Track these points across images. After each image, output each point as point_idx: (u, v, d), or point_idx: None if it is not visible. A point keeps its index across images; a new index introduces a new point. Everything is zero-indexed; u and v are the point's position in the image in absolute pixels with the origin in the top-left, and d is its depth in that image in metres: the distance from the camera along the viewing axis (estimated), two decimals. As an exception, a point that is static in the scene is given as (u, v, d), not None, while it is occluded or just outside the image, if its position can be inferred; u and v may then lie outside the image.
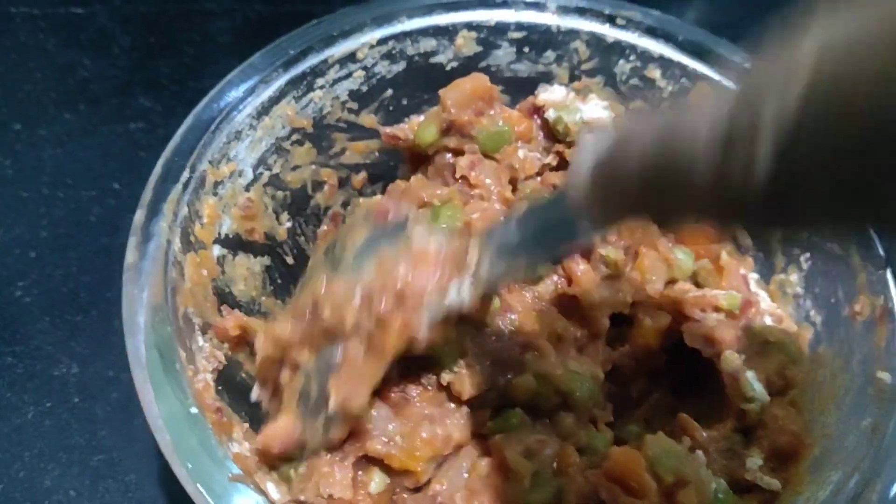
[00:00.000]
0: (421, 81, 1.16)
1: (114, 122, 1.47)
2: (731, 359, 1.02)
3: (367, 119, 1.17)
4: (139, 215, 0.89)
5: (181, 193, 0.92)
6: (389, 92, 1.17)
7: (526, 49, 1.18)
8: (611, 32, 1.16)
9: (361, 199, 1.21)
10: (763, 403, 1.00)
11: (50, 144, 1.42)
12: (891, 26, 0.43)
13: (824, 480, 0.89)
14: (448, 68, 1.17)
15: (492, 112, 1.14)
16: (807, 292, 1.11)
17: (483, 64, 1.19)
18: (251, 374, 0.96)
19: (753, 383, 1.00)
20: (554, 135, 1.16)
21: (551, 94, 1.16)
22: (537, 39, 1.18)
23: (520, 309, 1.00)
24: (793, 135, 0.46)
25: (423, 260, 0.84)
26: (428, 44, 1.15)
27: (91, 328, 1.23)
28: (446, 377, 0.92)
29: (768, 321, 1.10)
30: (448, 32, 1.15)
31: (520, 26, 1.16)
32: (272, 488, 0.83)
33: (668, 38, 1.15)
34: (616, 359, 1.06)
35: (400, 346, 0.84)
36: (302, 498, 0.86)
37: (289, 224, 1.13)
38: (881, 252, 0.98)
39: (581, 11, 1.16)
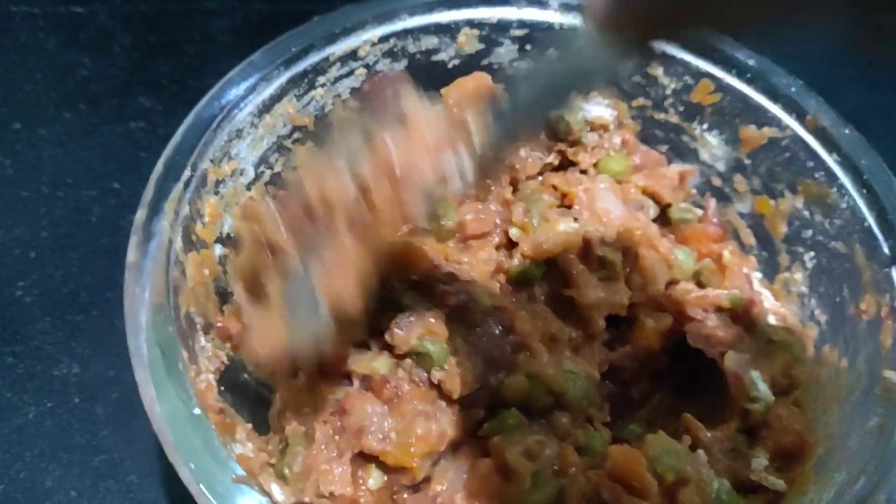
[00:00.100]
0: (422, 79, 1.14)
1: (114, 121, 1.46)
2: (735, 359, 1.02)
3: (369, 117, 1.16)
4: (140, 214, 0.88)
5: (182, 192, 0.92)
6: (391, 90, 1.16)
7: (528, 47, 1.18)
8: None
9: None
10: (767, 403, 1.00)
11: (50, 144, 1.42)
12: None
13: (829, 481, 0.89)
14: (450, 66, 1.17)
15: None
16: (811, 291, 1.10)
17: (485, 62, 1.18)
18: (254, 374, 0.96)
19: (758, 383, 1.00)
20: (556, 134, 1.16)
21: (553, 93, 1.16)
22: (539, 37, 1.17)
23: (511, 309, 1.00)
24: None
25: (418, 140, 0.77)
26: (429, 41, 1.14)
27: (92, 328, 1.23)
28: (437, 375, 0.92)
29: (772, 320, 1.10)
30: (450, 30, 1.14)
31: (522, 24, 1.16)
32: (276, 489, 0.83)
33: (669, 35, 1.14)
34: (616, 359, 1.06)
35: (395, 234, 0.79)
36: (305, 499, 0.86)
37: (289, 223, 1.12)
38: (886, 250, 0.98)
39: (583, 9, 1.15)
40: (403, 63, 1.15)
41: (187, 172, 0.93)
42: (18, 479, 1.09)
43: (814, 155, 1.07)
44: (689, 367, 1.07)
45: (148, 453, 1.11)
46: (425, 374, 0.93)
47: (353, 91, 1.13)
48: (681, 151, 1.22)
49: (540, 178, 1.17)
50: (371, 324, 0.96)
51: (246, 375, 0.95)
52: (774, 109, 1.10)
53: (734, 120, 1.15)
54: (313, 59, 1.07)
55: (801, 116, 1.09)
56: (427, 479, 0.92)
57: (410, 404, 0.92)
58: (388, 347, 0.95)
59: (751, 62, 1.12)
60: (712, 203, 1.19)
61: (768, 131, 1.12)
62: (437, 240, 1.06)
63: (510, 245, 1.08)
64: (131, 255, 0.85)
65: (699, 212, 1.19)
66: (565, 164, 1.18)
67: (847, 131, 1.06)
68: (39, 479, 1.09)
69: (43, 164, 1.39)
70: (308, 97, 1.08)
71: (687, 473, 0.88)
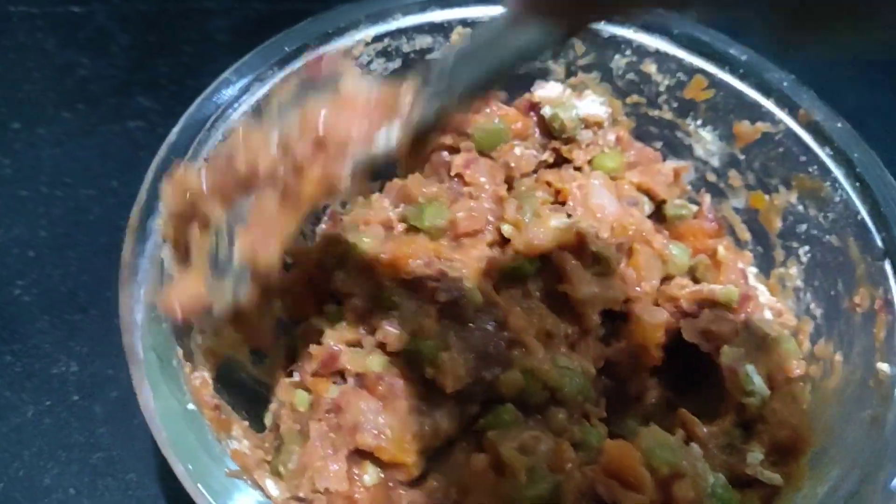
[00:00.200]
0: (417, 79, 1.16)
1: (112, 121, 1.47)
2: (730, 353, 1.02)
3: (364, 116, 1.16)
4: (135, 213, 0.89)
5: (177, 191, 0.91)
6: (386, 89, 1.16)
7: (521, 44, 1.18)
8: (606, 27, 1.16)
9: (360, 198, 1.21)
10: (763, 397, 1.00)
11: (49, 144, 1.42)
12: None
13: (824, 476, 0.90)
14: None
15: (488, 110, 1.14)
16: (806, 285, 1.11)
17: (479, 60, 1.18)
18: (251, 372, 0.96)
19: (753, 377, 1.00)
20: (550, 132, 1.16)
21: (547, 91, 1.16)
22: (532, 35, 1.17)
23: (504, 305, 1.00)
24: None
25: (348, 106, 0.77)
26: (423, 41, 1.15)
27: (90, 327, 1.23)
28: (430, 371, 0.92)
29: (768, 315, 1.10)
30: (443, 29, 1.15)
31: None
32: (271, 485, 0.84)
33: (662, 32, 1.15)
34: (612, 355, 1.06)
35: (318, 195, 0.78)
36: (301, 494, 0.87)
37: (286, 222, 1.13)
38: (880, 243, 0.99)
39: (502, -5, 1.16)
40: (397, 62, 1.15)
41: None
42: (17, 477, 1.09)
43: (807, 149, 1.08)
44: (685, 363, 1.07)
45: (146, 451, 1.11)
46: (419, 371, 0.94)
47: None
48: (675, 148, 1.22)
49: (535, 175, 1.17)
50: (364, 322, 0.97)
51: (243, 374, 0.95)
52: (767, 104, 1.11)
53: (728, 115, 1.15)
54: (307, 59, 1.07)
55: (793, 111, 1.09)
56: (423, 475, 0.93)
57: (405, 401, 0.92)
58: (381, 345, 0.95)
59: (744, 58, 1.12)
60: (707, 199, 1.20)
61: (762, 126, 1.12)
62: (429, 238, 1.06)
63: (503, 242, 1.08)
64: (126, 253, 0.86)
65: (694, 208, 1.19)
66: (560, 162, 1.18)
67: (839, 125, 1.06)
68: (38, 477, 1.09)
69: (41, 164, 1.40)
70: (302, 97, 1.08)
71: (681, 467, 0.88)
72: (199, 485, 0.75)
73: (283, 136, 0.77)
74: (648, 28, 1.15)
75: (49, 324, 1.23)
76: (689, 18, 1.17)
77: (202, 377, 0.86)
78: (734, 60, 1.12)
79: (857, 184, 1.02)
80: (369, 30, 1.11)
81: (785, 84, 1.10)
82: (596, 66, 1.19)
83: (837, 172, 1.04)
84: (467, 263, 1.03)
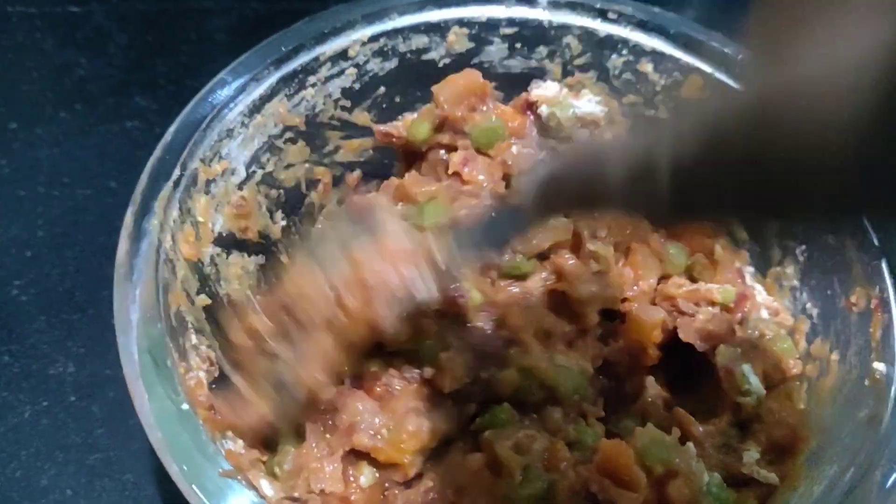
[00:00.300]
0: (413, 78, 1.16)
1: (110, 121, 1.47)
2: (726, 352, 1.02)
3: (361, 117, 1.17)
4: (130, 213, 0.89)
5: (172, 191, 0.92)
6: (382, 89, 1.17)
7: (518, 45, 1.18)
8: (602, 27, 1.16)
9: (356, 198, 1.21)
10: (759, 397, 1.00)
11: (46, 143, 1.43)
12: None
13: (820, 475, 0.89)
14: (440, 65, 1.17)
15: (485, 108, 1.14)
16: (803, 284, 1.11)
17: (475, 60, 1.19)
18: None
19: (749, 377, 1.00)
20: (547, 131, 1.16)
21: (544, 90, 1.16)
22: (529, 35, 1.18)
23: (502, 304, 1.00)
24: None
25: (390, 255, 0.85)
26: (420, 41, 1.15)
27: (87, 327, 1.23)
28: (428, 371, 0.93)
29: (765, 314, 1.10)
30: (440, 29, 1.15)
31: (511, 22, 1.16)
32: (265, 485, 0.84)
33: (659, 31, 1.15)
34: (609, 354, 1.06)
35: (367, 337, 0.86)
36: (295, 494, 0.87)
37: (283, 222, 1.13)
38: (876, 242, 0.98)
39: (572, 6, 1.16)
40: (394, 62, 1.15)
41: (177, 172, 0.93)
42: (14, 477, 1.09)
43: (803, 147, 1.07)
44: (681, 362, 1.07)
45: (144, 452, 1.11)
46: (416, 371, 0.94)
47: (344, 91, 1.14)
48: (671, 148, 1.22)
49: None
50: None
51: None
52: (763, 104, 1.11)
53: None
54: (303, 59, 1.07)
55: (789, 110, 1.09)
56: (418, 475, 0.93)
57: (401, 401, 0.92)
58: (378, 346, 0.95)
59: (740, 57, 1.12)
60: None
61: (758, 124, 1.11)
62: None
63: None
64: (121, 254, 0.86)
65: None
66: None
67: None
68: (35, 477, 1.09)
69: (39, 164, 1.40)
70: (298, 97, 1.09)
71: (676, 466, 0.88)
72: (193, 485, 0.75)
73: (335, 283, 0.86)
74: (645, 27, 1.15)
75: (46, 324, 1.23)
76: (687, 17, 1.17)
77: (197, 377, 0.86)
78: (730, 60, 1.12)
79: (855, 184, 1.02)
80: (366, 30, 1.11)
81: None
82: (592, 65, 1.19)
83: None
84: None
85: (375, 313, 0.84)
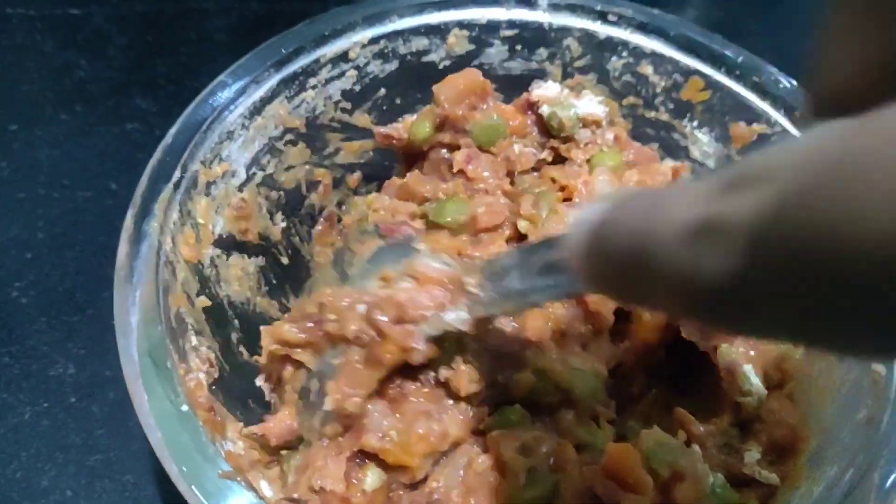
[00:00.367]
0: (414, 80, 1.16)
1: (110, 122, 1.47)
2: (728, 352, 1.02)
3: (361, 119, 1.17)
4: (130, 216, 0.89)
5: (172, 193, 0.92)
6: (382, 91, 1.17)
7: (518, 47, 1.19)
8: (602, 29, 1.16)
9: (356, 198, 1.22)
10: (760, 397, 1.00)
11: (46, 145, 1.43)
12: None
13: (821, 475, 0.89)
14: (440, 67, 1.17)
15: (485, 107, 1.14)
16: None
17: (476, 62, 1.19)
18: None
19: (750, 377, 1.00)
20: (548, 130, 1.16)
21: (545, 90, 1.16)
22: (529, 37, 1.18)
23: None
24: (767, 240, 0.40)
25: (425, 280, 0.87)
26: (420, 42, 1.15)
27: (87, 328, 1.23)
28: (444, 373, 0.92)
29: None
30: (440, 31, 1.15)
31: (511, 24, 1.16)
32: (265, 486, 0.84)
33: (659, 33, 1.15)
34: (619, 356, 1.06)
35: (397, 357, 0.86)
36: (295, 495, 0.87)
37: (283, 224, 1.13)
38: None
39: (572, 8, 1.16)
40: (394, 64, 1.15)
41: (177, 174, 0.93)
42: (14, 478, 1.09)
43: (803, 150, 1.07)
44: (683, 361, 1.07)
45: (144, 452, 1.11)
46: (432, 373, 0.93)
47: (344, 93, 1.14)
48: (671, 149, 1.22)
49: (537, 172, 1.17)
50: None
51: (236, 381, 0.96)
52: (764, 106, 1.11)
53: (724, 117, 1.15)
54: (304, 61, 1.07)
55: (789, 112, 1.09)
56: (424, 477, 0.93)
57: (414, 403, 0.92)
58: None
59: (740, 59, 1.12)
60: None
61: (758, 128, 1.12)
62: (450, 234, 1.06)
63: (519, 238, 1.08)
64: (121, 256, 0.86)
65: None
66: (559, 160, 1.18)
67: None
68: (35, 478, 1.09)
69: (39, 165, 1.40)
70: (299, 99, 1.09)
71: (682, 468, 0.87)
72: (192, 486, 0.75)
73: (368, 302, 0.87)
74: (645, 29, 1.15)
75: (47, 325, 1.23)
76: (687, 18, 1.17)
77: (197, 379, 0.86)
78: (731, 62, 1.12)
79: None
80: (366, 32, 1.11)
81: (781, 86, 1.10)
82: (592, 67, 1.19)
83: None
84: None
85: (405, 337, 0.85)
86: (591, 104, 1.16)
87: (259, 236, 1.08)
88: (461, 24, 1.15)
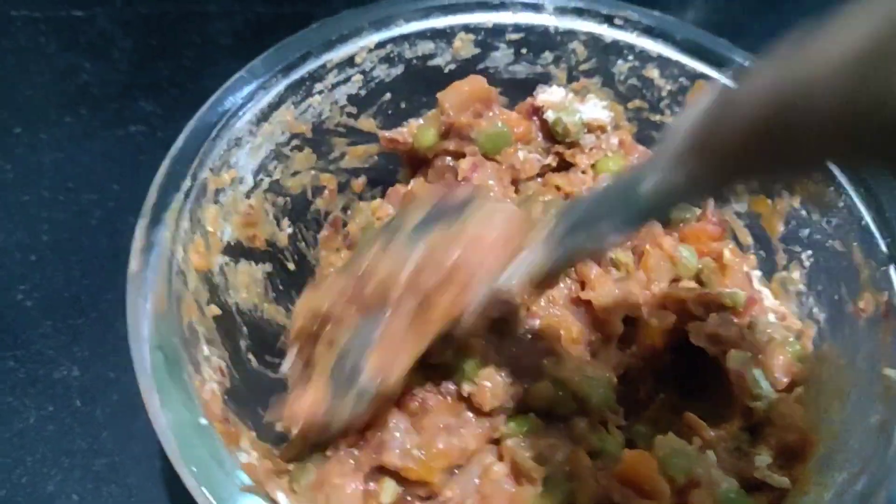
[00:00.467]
0: (419, 84, 1.16)
1: (114, 125, 1.47)
2: (737, 357, 1.02)
3: (366, 123, 1.17)
4: (141, 225, 0.88)
5: (183, 202, 0.92)
6: (388, 96, 1.17)
7: (524, 50, 1.19)
8: (608, 32, 1.16)
9: (361, 203, 1.22)
10: (770, 401, 1.00)
11: (50, 148, 1.43)
12: None
13: (831, 480, 0.89)
14: (446, 71, 1.17)
15: (490, 114, 1.14)
16: (809, 289, 1.11)
17: (481, 66, 1.19)
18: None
19: (760, 381, 1.00)
20: (553, 136, 1.16)
21: (550, 96, 1.16)
22: (535, 41, 1.18)
23: (541, 314, 1.00)
24: None
25: (478, 241, 0.82)
26: (426, 47, 1.15)
27: (92, 331, 1.23)
28: (467, 388, 0.92)
29: (772, 318, 1.10)
30: (446, 35, 1.15)
31: (517, 28, 1.16)
32: (282, 497, 0.83)
33: (665, 37, 1.15)
34: (626, 361, 1.06)
35: (444, 324, 0.83)
36: (308, 515, 0.87)
37: (290, 230, 1.14)
38: (884, 248, 0.98)
39: (579, 12, 1.16)
40: (400, 69, 1.15)
41: (187, 182, 0.93)
42: (20, 483, 1.09)
43: (810, 155, 1.07)
44: (691, 365, 1.07)
45: (148, 455, 1.11)
46: (454, 387, 0.93)
47: (350, 98, 1.14)
48: (677, 152, 1.22)
49: (540, 178, 1.17)
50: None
51: (246, 389, 0.96)
52: (770, 109, 1.11)
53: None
54: (311, 66, 1.07)
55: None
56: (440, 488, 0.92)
57: (435, 418, 0.91)
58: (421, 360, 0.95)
59: (746, 63, 1.12)
60: (710, 202, 1.20)
61: (764, 131, 1.12)
62: None
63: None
64: (133, 265, 0.86)
65: (697, 211, 1.19)
66: (564, 166, 1.18)
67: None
68: (41, 483, 1.09)
69: (43, 168, 1.40)
70: (305, 104, 1.09)
71: (698, 475, 0.88)
72: (211, 499, 0.74)
73: (416, 263, 0.83)
74: (651, 33, 1.15)
75: (52, 328, 1.23)
76: (687, 20, 1.17)
77: (211, 389, 0.85)
78: (736, 65, 1.12)
79: (862, 189, 1.02)
80: (373, 36, 1.11)
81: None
82: (598, 70, 1.20)
83: (841, 178, 1.04)
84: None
85: (456, 300, 0.82)
86: (596, 109, 1.17)
87: (266, 242, 1.08)
88: (467, 28, 1.15)
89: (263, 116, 1.04)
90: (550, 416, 0.95)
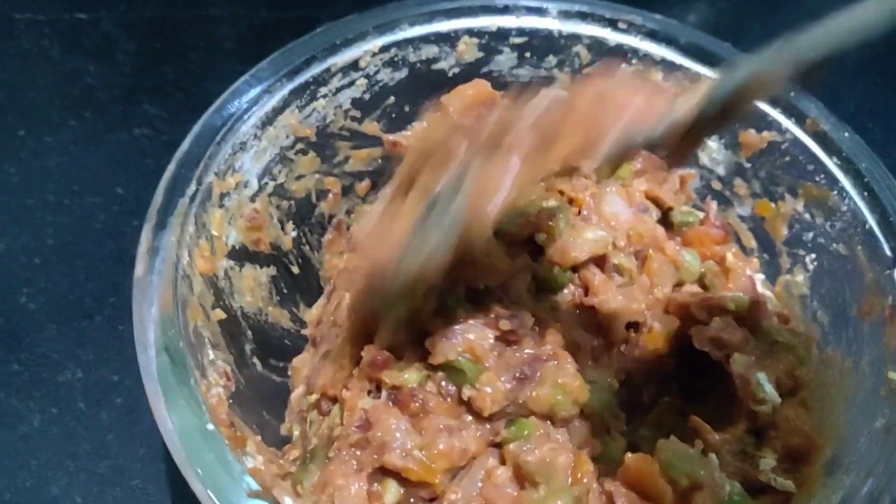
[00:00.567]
0: (423, 88, 1.16)
1: (119, 128, 1.47)
2: (741, 361, 1.02)
3: (370, 127, 1.17)
4: (147, 229, 0.88)
5: (188, 206, 0.92)
6: (392, 99, 1.17)
7: (527, 54, 1.19)
8: (612, 36, 1.16)
9: (365, 207, 1.22)
10: (774, 405, 1.00)
11: (55, 151, 1.43)
12: None
13: (837, 484, 0.89)
14: (450, 74, 1.17)
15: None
16: (813, 293, 1.11)
17: (485, 70, 1.19)
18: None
19: (764, 385, 1.00)
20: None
21: (553, 100, 1.16)
22: (539, 44, 1.18)
23: (547, 321, 1.00)
24: None
25: (624, 86, 0.81)
26: (430, 50, 1.15)
27: (96, 334, 1.23)
28: (467, 392, 0.92)
29: (775, 322, 1.10)
30: (450, 39, 1.15)
31: (521, 31, 1.16)
32: (289, 502, 0.83)
33: (669, 41, 1.15)
34: (628, 365, 1.06)
35: (564, 162, 0.81)
36: (314, 516, 0.87)
37: (294, 233, 1.14)
38: (888, 252, 0.98)
39: (582, 16, 1.16)
40: (404, 72, 1.15)
41: (192, 186, 0.93)
42: (24, 487, 1.09)
43: (814, 158, 1.08)
44: (694, 369, 1.07)
45: (153, 458, 1.11)
46: (454, 389, 0.93)
47: (354, 101, 1.14)
48: (680, 156, 1.22)
49: (542, 182, 1.17)
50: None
51: (251, 393, 0.96)
52: (774, 114, 1.11)
53: (734, 125, 1.15)
54: (315, 70, 1.07)
55: (800, 120, 1.09)
56: (442, 490, 0.92)
57: (435, 419, 0.91)
58: (423, 357, 0.95)
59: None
60: (713, 206, 1.20)
61: (768, 135, 1.12)
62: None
63: (536, 250, 1.08)
64: (139, 269, 0.86)
65: (700, 214, 1.19)
66: (566, 170, 1.18)
67: (847, 134, 1.06)
68: (45, 487, 1.10)
69: (48, 172, 1.40)
70: (310, 108, 1.09)
71: (701, 478, 0.88)
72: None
73: (546, 107, 0.81)
74: (655, 37, 1.15)
75: (56, 332, 1.23)
76: (689, 23, 1.17)
77: (217, 394, 0.85)
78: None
79: (866, 193, 1.02)
80: (377, 40, 1.11)
81: (792, 93, 1.10)
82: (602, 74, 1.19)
83: (845, 182, 1.04)
84: (519, 278, 1.02)
85: (587, 143, 0.79)
86: (600, 112, 1.16)
87: (271, 246, 1.09)
88: (471, 32, 1.15)
89: (268, 120, 1.04)
90: (551, 420, 0.96)
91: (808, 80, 0.74)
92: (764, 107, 1.11)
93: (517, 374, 0.94)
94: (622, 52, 1.17)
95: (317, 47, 1.08)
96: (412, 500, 0.90)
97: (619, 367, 1.04)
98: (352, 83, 1.12)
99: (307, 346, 1.11)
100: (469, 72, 1.18)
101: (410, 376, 0.93)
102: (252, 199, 1.04)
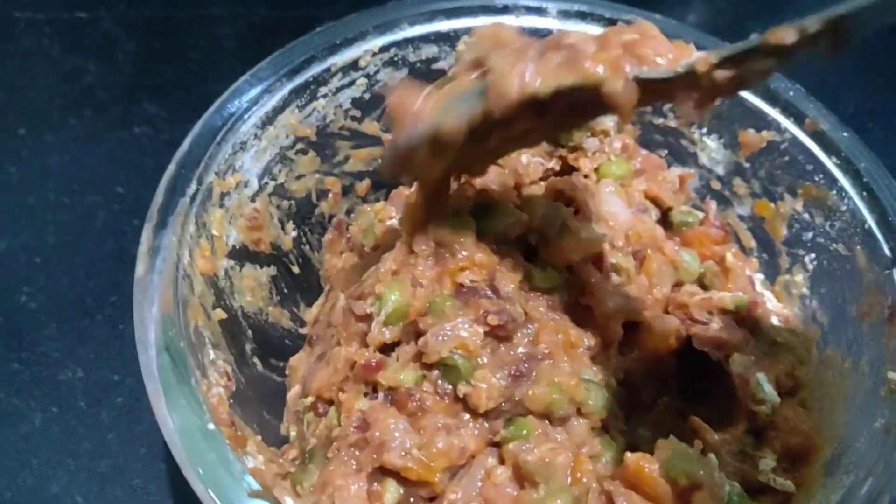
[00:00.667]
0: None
1: (119, 127, 1.47)
2: (741, 361, 1.02)
3: (370, 126, 1.17)
4: (147, 229, 0.89)
5: (189, 206, 0.92)
6: (391, 99, 1.17)
7: (527, 54, 1.18)
8: (614, 37, 1.16)
9: (365, 206, 1.22)
10: (774, 405, 1.00)
11: (55, 150, 1.43)
12: None
13: (837, 483, 0.89)
14: (449, 74, 1.17)
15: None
16: (812, 293, 1.11)
17: (485, 69, 1.19)
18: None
19: (764, 385, 1.00)
20: (556, 140, 1.16)
21: (553, 99, 1.16)
22: (538, 44, 1.18)
23: (541, 320, 1.00)
24: None
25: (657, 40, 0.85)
26: (429, 50, 1.15)
27: (96, 333, 1.23)
28: (462, 389, 0.92)
29: (775, 322, 1.10)
30: (449, 38, 1.15)
31: (521, 32, 1.16)
32: (290, 502, 0.83)
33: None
34: (627, 364, 1.06)
35: (602, 70, 0.82)
36: (315, 516, 0.87)
37: (294, 233, 1.14)
38: (887, 252, 0.99)
39: (581, 16, 1.16)
40: (404, 72, 1.15)
41: (193, 186, 0.93)
42: (26, 486, 1.09)
43: (813, 158, 1.08)
44: (694, 369, 1.07)
45: (153, 457, 1.11)
46: (450, 387, 0.93)
47: (354, 101, 1.14)
48: (680, 156, 1.22)
49: (542, 182, 1.17)
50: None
51: (251, 392, 0.96)
52: (773, 113, 1.11)
53: (733, 124, 1.15)
54: (315, 69, 1.08)
55: (799, 120, 1.09)
56: (442, 489, 0.93)
57: (433, 418, 0.91)
58: (417, 357, 0.95)
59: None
60: (712, 206, 1.20)
61: (767, 135, 1.12)
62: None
63: (529, 249, 1.08)
64: (140, 269, 0.86)
65: (700, 214, 1.19)
66: (567, 170, 1.18)
67: (846, 134, 1.07)
68: (46, 485, 1.10)
69: (48, 171, 1.40)
70: (310, 108, 1.09)
71: (700, 478, 0.88)
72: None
73: (587, 36, 0.86)
74: (655, 38, 1.16)
75: (57, 330, 1.23)
76: (689, 22, 1.17)
77: (218, 394, 0.85)
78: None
79: (865, 193, 1.02)
80: (377, 40, 1.11)
81: (791, 93, 1.10)
82: (602, 74, 1.20)
83: (844, 181, 1.04)
84: (507, 275, 1.02)
85: (621, 59, 0.82)
86: (599, 113, 1.16)
87: (271, 246, 1.09)
88: (471, 32, 1.15)
89: (268, 120, 1.04)
90: (549, 420, 0.96)
91: (834, 45, 0.73)
92: (763, 106, 1.11)
93: (512, 372, 0.94)
94: (622, 52, 1.17)
95: (317, 47, 1.08)
96: (412, 499, 0.91)
97: (617, 366, 1.04)
98: (352, 83, 1.12)
99: (304, 346, 1.11)
100: (468, 71, 1.17)
101: (406, 376, 0.93)
102: (252, 199, 1.04)
